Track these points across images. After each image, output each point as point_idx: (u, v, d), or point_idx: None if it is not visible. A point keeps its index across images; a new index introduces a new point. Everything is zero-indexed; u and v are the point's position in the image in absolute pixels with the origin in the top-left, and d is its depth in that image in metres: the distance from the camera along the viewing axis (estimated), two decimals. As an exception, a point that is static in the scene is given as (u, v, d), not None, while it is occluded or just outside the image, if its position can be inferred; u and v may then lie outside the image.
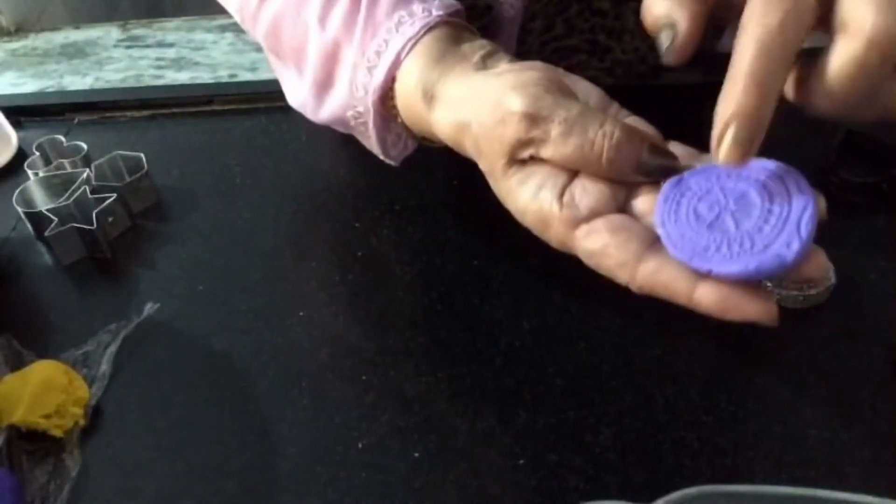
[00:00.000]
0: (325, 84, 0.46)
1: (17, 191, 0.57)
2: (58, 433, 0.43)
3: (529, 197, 0.34)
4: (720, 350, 0.47)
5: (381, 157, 0.47)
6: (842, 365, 0.45)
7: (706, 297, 0.29)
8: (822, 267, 0.30)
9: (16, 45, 0.96)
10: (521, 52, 0.61)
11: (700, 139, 0.66)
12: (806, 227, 0.29)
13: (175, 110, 0.70)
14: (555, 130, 0.33)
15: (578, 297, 0.50)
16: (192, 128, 0.68)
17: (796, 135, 0.61)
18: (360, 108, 0.43)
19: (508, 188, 0.35)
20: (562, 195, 0.33)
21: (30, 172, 0.59)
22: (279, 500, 0.41)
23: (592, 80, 0.64)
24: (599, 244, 0.32)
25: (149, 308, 0.51)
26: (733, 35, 0.70)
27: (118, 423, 0.45)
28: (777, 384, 0.45)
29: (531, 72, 0.35)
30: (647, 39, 0.63)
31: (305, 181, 0.62)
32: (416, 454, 0.42)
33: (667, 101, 0.66)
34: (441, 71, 0.38)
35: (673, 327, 0.48)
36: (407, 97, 0.40)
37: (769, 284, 0.48)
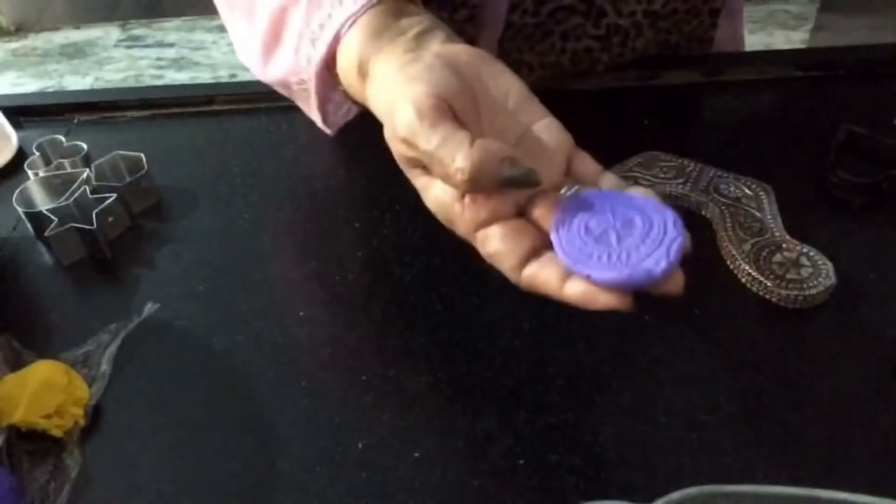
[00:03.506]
0: (271, 46, 0.47)
1: (17, 191, 0.57)
2: (58, 433, 0.43)
3: (435, 197, 0.38)
4: (720, 350, 0.47)
5: (320, 124, 0.49)
6: (842, 365, 0.45)
7: (573, 291, 0.34)
8: (680, 286, 0.34)
9: (16, 45, 0.96)
10: (514, 9, 0.61)
11: (699, 137, 0.66)
12: (674, 253, 0.34)
13: (175, 110, 0.70)
14: (423, 157, 0.36)
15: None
16: (192, 128, 0.68)
17: (797, 135, 0.62)
18: (304, 76, 0.45)
19: (417, 187, 0.39)
20: (464, 196, 0.36)
21: (30, 172, 0.59)
22: (279, 500, 0.41)
23: (587, 52, 0.64)
24: (492, 249, 0.36)
25: (149, 308, 0.51)
26: (725, 32, 0.68)
27: (118, 423, 0.45)
28: (777, 384, 0.45)
29: (431, 79, 0.36)
30: (641, 3, 0.63)
31: (305, 181, 0.62)
32: (416, 454, 0.42)
33: (667, 100, 0.66)
34: (376, 48, 0.40)
35: (673, 327, 0.48)
36: (346, 70, 0.42)
37: (768, 284, 0.48)
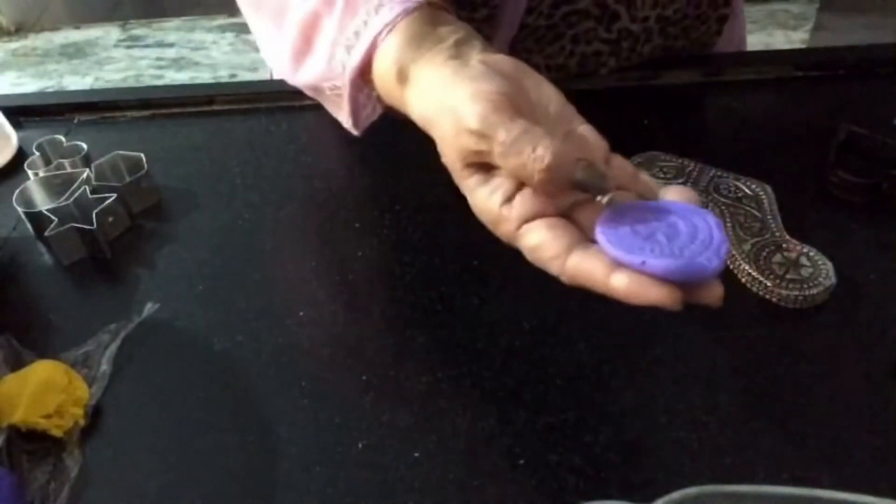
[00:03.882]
0: (303, 52, 0.48)
1: (17, 191, 0.57)
2: (58, 433, 0.43)
3: (483, 198, 0.38)
4: (720, 350, 0.47)
5: (348, 126, 0.49)
6: (842, 365, 0.45)
7: (620, 282, 0.34)
8: (720, 297, 0.34)
9: (16, 45, 0.96)
10: (530, 11, 0.61)
11: (699, 137, 0.66)
12: (723, 254, 0.34)
13: (175, 110, 0.70)
14: (496, 149, 0.36)
15: (578, 297, 0.50)
16: (192, 128, 0.68)
17: (797, 135, 0.62)
18: (338, 83, 0.45)
19: (467, 187, 0.39)
20: (510, 199, 0.37)
21: (30, 172, 0.59)
22: (279, 500, 0.41)
23: (596, 55, 0.65)
24: (537, 240, 0.36)
25: (149, 308, 0.51)
26: (726, 34, 0.68)
27: (118, 423, 0.45)
28: (777, 384, 0.45)
29: (491, 80, 0.37)
30: (656, 8, 0.63)
31: (305, 181, 0.62)
32: (416, 454, 0.42)
33: (667, 100, 0.66)
34: (415, 54, 0.40)
35: (673, 327, 0.48)
36: (383, 75, 0.42)
37: (768, 284, 0.48)
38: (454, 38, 0.40)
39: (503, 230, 0.37)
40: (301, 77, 0.49)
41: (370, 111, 0.49)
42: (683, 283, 0.33)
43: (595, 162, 0.35)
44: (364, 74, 0.44)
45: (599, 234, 0.35)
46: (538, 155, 0.34)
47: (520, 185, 0.37)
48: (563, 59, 0.65)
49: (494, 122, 0.36)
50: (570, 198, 0.37)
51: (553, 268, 0.36)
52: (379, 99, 0.45)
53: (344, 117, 0.48)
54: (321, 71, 0.46)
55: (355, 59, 0.43)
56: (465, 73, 0.38)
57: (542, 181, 0.35)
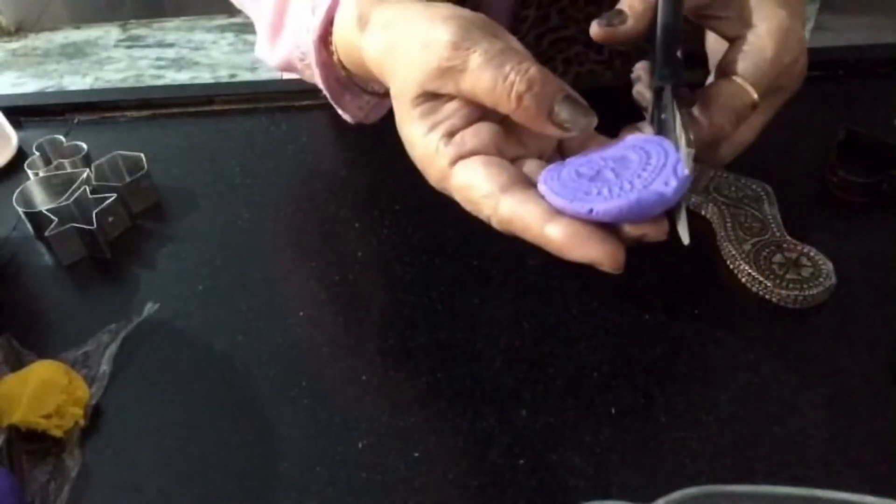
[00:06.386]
0: (277, 27, 0.47)
1: (17, 191, 0.57)
2: (58, 433, 0.43)
3: (424, 131, 0.34)
4: (720, 350, 0.47)
5: (336, 108, 0.46)
6: (842, 365, 0.45)
7: (556, 232, 0.30)
8: (665, 230, 0.30)
9: (16, 45, 0.96)
10: None
11: (700, 139, 0.65)
12: (682, 171, 0.30)
13: (175, 110, 0.70)
14: (474, 61, 0.32)
15: (578, 297, 0.50)
16: (192, 128, 0.68)
17: (797, 135, 0.61)
18: (304, 49, 0.43)
19: (410, 118, 0.35)
20: (452, 135, 0.33)
21: (30, 172, 0.59)
22: (279, 500, 0.41)
23: (591, 73, 0.64)
24: (469, 177, 0.32)
25: (149, 308, 0.51)
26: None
27: (118, 423, 0.45)
28: (777, 384, 0.45)
29: (468, 11, 0.35)
30: None
31: (305, 181, 0.62)
32: (416, 454, 0.42)
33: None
34: (378, 1, 0.37)
35: (673, 327, 0.48)
36: (344, 29, 0.39)
37: (768, 284, 0.48)
38: None
39: (435, 169, 0.34)
40: (276, 55, 0.48)
41: (360, 104, 0.46)
42: (644, 216, 0.30)
43: (578, 97, 0.32)
44: (326, 37, 0.41)
45: (541, 183, 0.32)
46: (522, 67, 0.31)
47: (467, 124, 0.34)
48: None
49: (477, 35, 0.32)
50: (518, 149, 0.34)
51: (485, 209, 0.32)
52: (343, 67, 0.42)
53: (324, 91, 0.45)
54: (292, 41, 0.45)
55: (318, 18, 0.41)
56: (435, 6, 0.35)
57: (519, 96, 0.31)
